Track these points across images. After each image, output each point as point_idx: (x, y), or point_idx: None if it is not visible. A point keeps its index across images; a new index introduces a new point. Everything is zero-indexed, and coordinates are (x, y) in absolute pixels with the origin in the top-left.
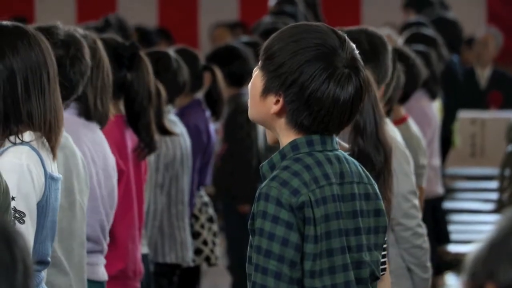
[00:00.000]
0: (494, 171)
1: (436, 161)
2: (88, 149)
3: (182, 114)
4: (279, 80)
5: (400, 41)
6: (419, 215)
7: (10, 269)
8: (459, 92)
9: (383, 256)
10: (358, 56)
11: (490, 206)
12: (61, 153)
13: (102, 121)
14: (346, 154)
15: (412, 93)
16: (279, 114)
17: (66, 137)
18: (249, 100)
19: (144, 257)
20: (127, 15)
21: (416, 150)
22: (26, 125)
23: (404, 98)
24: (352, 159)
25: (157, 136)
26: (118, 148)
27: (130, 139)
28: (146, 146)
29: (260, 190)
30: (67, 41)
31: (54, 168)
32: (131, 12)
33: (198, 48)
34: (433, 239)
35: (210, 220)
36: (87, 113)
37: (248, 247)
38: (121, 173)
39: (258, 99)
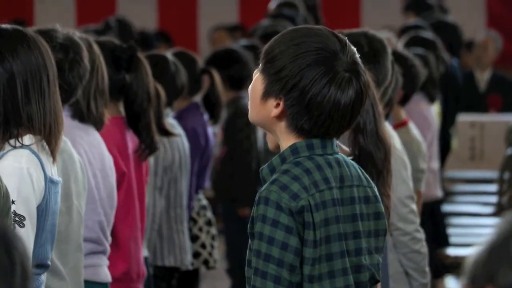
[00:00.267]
0: (493, 174)
1: (435, 164)
2: (85, 151)
3: (180, 117)
4: (279, 84)
5: (399, 44)
6: (417, 220)
7: (8, 272)
8: (459, 96)
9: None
10: (359, 60)
11: (489, 209)
12: (59, 157)
13: (97, 124)
14: (346, 157)
15: (412, 95)
16: (279, 117)
17: (64, 141)
18: (249, 102)
19: (144, 260)
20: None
21: (416, 154)
22: (26, 128)
23: (404, 100)
24: (352, 162)
25: (157, 138)
26: (119, 150)
27: (131, 141)
28: (147, 147)
29: (259, 194)
30: (66, 45)
31: (54, 172)
32: (130, 15)
33: (198, 51)
34: (432, 242)
35: (209, 223)
36: (81, 115)
37: (248, 251)
38: (122, 175)
39: (259, 102)
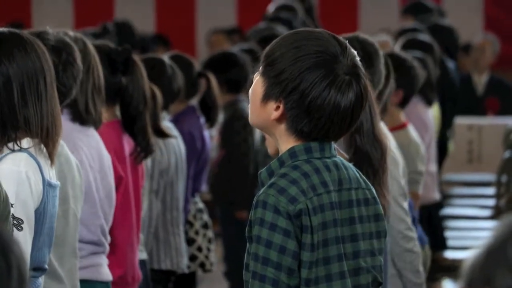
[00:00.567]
0: (491, 177)
1: (433, 167)
2: (85, 155)
3: (176, 121)
4: (279, 87)
5: (396, 46)
6: (408, 218)
7: (4, 276)
8: (455, 98)
9: None
10: (359, 63)
11: (487, 212)
12: (56, 160)
13: (96, 123)
14: (344, 160)
15: (411, 97)
16: (279, 120)
17: (61, 144)
18: (249, 106)
19: (142, 262)
20: None
21: (415, 156)
22: (24, 131)
23: (404, 102)
24: (350, 165)
25: (153, 140)
26: (116, 154)
27: (127, 144)
28: (143, 150)
29: (257, 197)
30: (58, 47)
31: (52, 175)
32: (128, 18)
33: (196, 54)
34: (429, 245)
35: (205, 226)
36: (81, 117)
37: (246, 254)
38: (119, 178)
39: (259, 105)
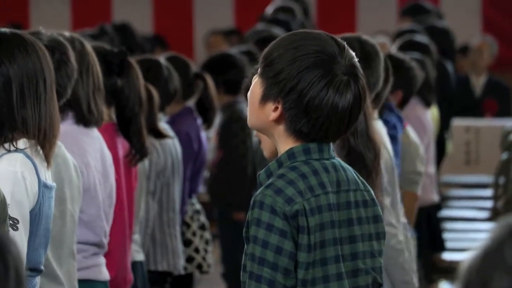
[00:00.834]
0: (488, 179)
1: (432, 168)
2: (92, 158)
3: (173, 122)
4: (278, 87)
5: (393, 48)
6: (390, 215)
7: (2, 276)
8: (452, 100)
9: None
10: (358, 64)
11: (484, 214)
12: (53, 161)
13: (97, 122)
14: (342, 162)
15: (410, 98)
16: (277, 121)
17: (59, 145)
18: (248, 108)
19: (140, 264)
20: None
21: (414, 156)
22: (21, 132)
23: (403, 103)
24: (349, 167)
25: (148, 143)
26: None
27: (121, 146)
28: (137, 152)
29: (254, 197)
30: (51, 46)
31: (48, 176)
32: (126, 20)
33: (193, 56)
34: (428, 247)
35: (202, 227)
36: (84, 119)
37: (243, 255)
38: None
39: (257, 105)
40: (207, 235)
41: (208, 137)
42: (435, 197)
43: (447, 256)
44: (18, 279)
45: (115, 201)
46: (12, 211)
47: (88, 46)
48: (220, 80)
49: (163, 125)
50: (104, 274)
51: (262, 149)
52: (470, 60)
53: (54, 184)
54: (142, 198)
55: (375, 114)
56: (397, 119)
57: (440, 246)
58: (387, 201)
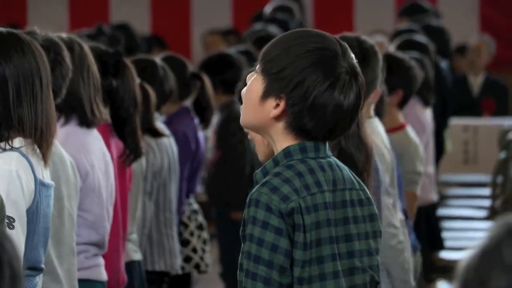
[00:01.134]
0: (486, 178)
1: (431, 168)
2: (96, 160)
3: (170, 122)
4: (281, 83)
5: (391, 47)
6: (392, 216)
7: None
8: (449, 99)
9: None
10: (357, 64)
11: (482, 213)
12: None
13: (98, 123)
14: (338, 161)
15: (410, 97)
16: (278, 118)
17: (55, 144)
18: (243, 106)
19: (137, 263)
20: (119, 23)
21: (414, 156)
22: (17, 131)
23: (403, 102)
24: (344, 166)
25: (144, 143)
26: None
27: (115, 146)
28: (132, 152)
29: (250, 196)
30: (46, 46)
31: (45, 175)
32: (123, 20)
33: (191, 55)
34: (427, 246)
35: (200, 227)
36: (87, 121)
37: (240, 254)
38: None
39: (257, 103)
40: (205, 235)
41: (206, 137)
42: (434, 197)
43: (445, 255)
44: (14, 276)
45: None
46: (7, 210)
47: (86, 47)
48: (218, 80)
49: (160, 125)
50: (104, 275)
51: (257, 152)
52: (468, 60)
53: (52, 183)
54: (139, 199)
55: (371, 111)
56: None
57: (439, 245)
58: (388, 201)
